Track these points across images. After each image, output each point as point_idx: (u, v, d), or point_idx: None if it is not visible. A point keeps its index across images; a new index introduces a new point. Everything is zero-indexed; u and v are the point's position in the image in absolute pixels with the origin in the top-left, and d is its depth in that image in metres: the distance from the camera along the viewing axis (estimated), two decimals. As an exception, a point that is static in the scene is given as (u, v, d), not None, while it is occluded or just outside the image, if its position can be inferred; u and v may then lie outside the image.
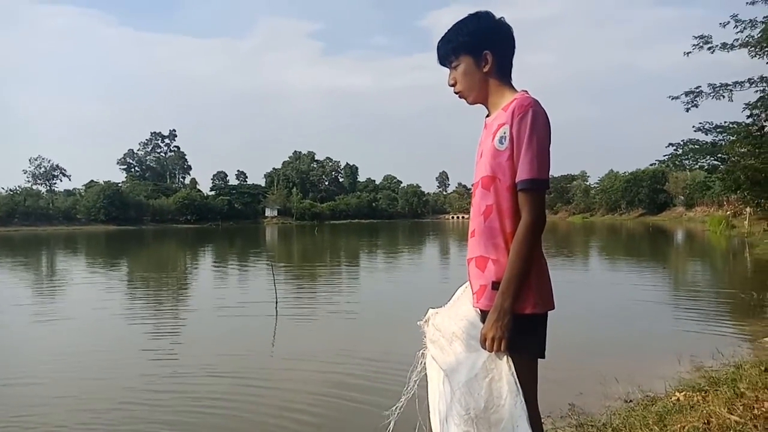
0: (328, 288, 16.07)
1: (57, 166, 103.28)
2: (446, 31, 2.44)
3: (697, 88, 19.08)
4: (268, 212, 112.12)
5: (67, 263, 29.06)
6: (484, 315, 2.31)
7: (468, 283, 2.46)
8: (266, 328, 10.02)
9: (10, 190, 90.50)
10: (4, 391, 6.57)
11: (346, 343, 8.83)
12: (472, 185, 2.45)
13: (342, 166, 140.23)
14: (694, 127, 20.60)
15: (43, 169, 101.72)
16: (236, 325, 10.80)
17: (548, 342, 2.32)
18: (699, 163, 22.87)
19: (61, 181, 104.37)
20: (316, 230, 65.54)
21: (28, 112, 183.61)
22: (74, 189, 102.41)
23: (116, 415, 5.59)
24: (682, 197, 79.08)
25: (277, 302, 11.48)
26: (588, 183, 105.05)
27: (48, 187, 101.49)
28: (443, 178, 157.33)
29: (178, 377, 7.06)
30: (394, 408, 2.74)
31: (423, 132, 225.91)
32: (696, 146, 20.80)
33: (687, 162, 22.21)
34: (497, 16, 2.40)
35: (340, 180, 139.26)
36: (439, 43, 2.47)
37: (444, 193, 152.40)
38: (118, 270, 24.48)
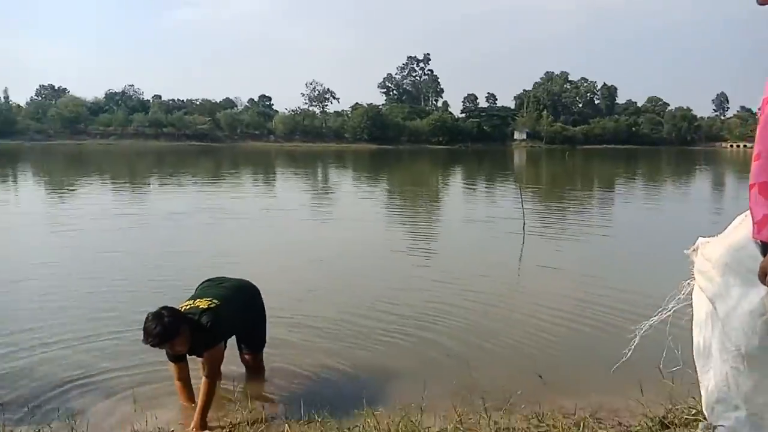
0: (577, 213, 15.53)
1: (328, 89, 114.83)
2: None
3: None
4: (516, 135, 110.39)
5: (338, 175, 32.91)
6: (765, 247, 2.08)
7: (748, 212, 2.22)
8: (512, 243, 10.23)
9: (292, 110, 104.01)
10: (288, 285, 7.71)
11: (596, 265, 8.61)
12: (762, 101, 2.15)
13: (598, 87, 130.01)
14: None
15: (316, 92, 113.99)
16: (484, 237, 11.43)
17: None
18: None
19: (331, 103, 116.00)
20: (566, 155, 62.79)
21: (303, 41, 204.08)
22: (342, 111, 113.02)
23: (374, 311, 6.15)
24: None
25: (524, 222, 11.54)
26: None
27: (321, 109, 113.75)
28: (721, 101, 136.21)
29: (432, 281, 7.63)
30: (640, 326, 2.67)
31: (697, 47, 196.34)
32: None
33: None
34: None
35: (596, 102, 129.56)
36: None
37: (721, 117, 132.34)
38: (380, 183, 26.88)
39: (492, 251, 9.84)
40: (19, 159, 40.08)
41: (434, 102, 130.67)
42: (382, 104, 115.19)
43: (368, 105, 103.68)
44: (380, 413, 3.07)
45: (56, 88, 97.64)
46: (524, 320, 5.83)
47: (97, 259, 8.65)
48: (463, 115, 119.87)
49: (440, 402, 3.64)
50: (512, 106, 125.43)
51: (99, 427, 3.41)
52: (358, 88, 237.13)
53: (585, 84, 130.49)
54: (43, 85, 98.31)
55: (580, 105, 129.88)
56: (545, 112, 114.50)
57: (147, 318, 3.39)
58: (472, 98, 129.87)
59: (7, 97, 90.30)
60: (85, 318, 5.71)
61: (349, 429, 2.98)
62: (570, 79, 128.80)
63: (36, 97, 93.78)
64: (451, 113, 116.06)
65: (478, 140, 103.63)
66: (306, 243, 10.40)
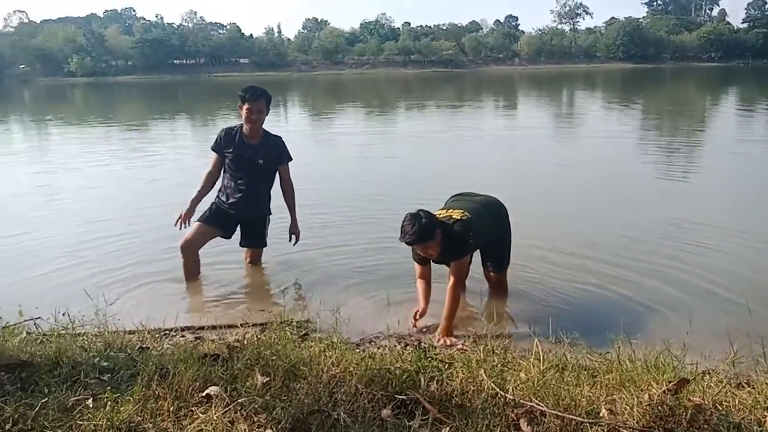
0: None
1: (581, 4, 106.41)
2: None
3: None
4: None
5: (583, 98, 30.84)
6: None
7: None
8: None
9: (539, 30, 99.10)
10: (536, 206, 7.37)
11: None
12: None
13: None
14: None
15: (567, 8, 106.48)
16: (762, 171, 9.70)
17: None
18: None
19: (583, 19, 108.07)
20: None
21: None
22: (595, 27, 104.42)
23: (629, 238, 5.67)
24: None
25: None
26: None
27: (571, 26, 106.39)
28: None
29: (693, 213, 6.75)
30: None
31: None
32: None
33: None
34: None
35: None
36: None
37: None
38: (633, 103, 24.52)
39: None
40: (288, 88, 45.29)
41: (708, 11, 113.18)
42: (643, 17, 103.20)
43: (626, 18, 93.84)
44: (637, 343, 2.85)
45: (319, 20, 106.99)
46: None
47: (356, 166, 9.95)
48: (745, 25, 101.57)
49: (707, 340, 3.25)
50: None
51: (357, 319, 3.76)
52: (616, 1, 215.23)
53: None
54: (308, 18, 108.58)
55: None
56: None
57: (405, 217, 3.56)
58: (759, 4, 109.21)
59: (279, 32, 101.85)
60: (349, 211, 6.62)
61: (600, 353, 2.82)
62: None
63: (302, 30, 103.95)
64: (728, 24, 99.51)
65: (763, 56, 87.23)
66: (553, 164, 10.18)
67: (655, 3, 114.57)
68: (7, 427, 2.04)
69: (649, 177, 8.88)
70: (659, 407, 2.20)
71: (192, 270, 4.60)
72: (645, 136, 14.26)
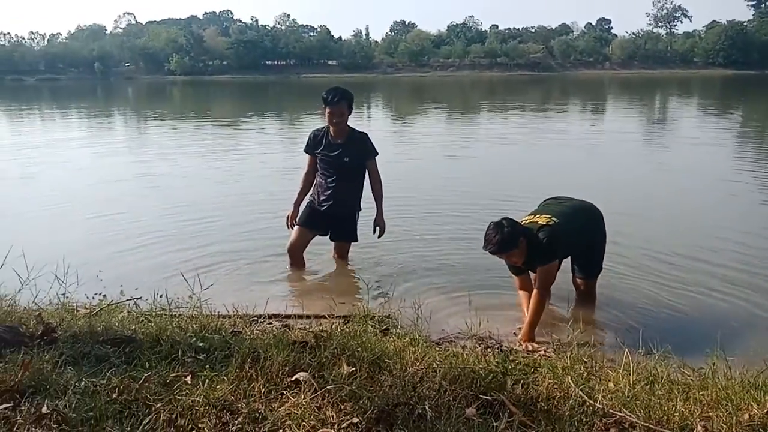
0: None
1: (679, 7, 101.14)
2: None
3: None
4: None
5: (678, 104, 29.33)
6: None
7: None
8: None
9: (633, 33, 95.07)
10: (630, 212, 7.11)
11: None
12: None
13: None
14: None
15: (665, 11, 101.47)
16: None
17: None
18: None
19: (681, 22, 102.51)
20: None
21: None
22: (694, 31, 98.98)
23: (730, 253, 5.32)
24: None
25: None
26: None
27: (668, 30, 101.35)
28: None
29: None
30: None
31: None
32: None
33: None
34: None
35: None
36: None
37: None
38: (731, 114, 23.05)
39: None
40: (372, 90, 45.80)
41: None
42: (748, 20, 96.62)
43: (729, 22, 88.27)
44: (733, 360, 2.69)
45: (407, 23, 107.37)
46: None
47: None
48: None
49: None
50: None
51: (438, 316, 3.78)
52: (718, 4, 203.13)
53: None
54: (396, 21, 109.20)
55: None
56: None
57: (489, 226, 3.54)
58: None
59: (367, 35, 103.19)
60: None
61: (694, 369, 2.69)
62: None
63: (390, 33, 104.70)
64: None
65: None
66: (648, 169, 9.90)
67: (763, 5, 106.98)
68: (114, 395, 2.20)
69: (752, 185, 8.35)
70: (761, 429, 2.09)
71: (299, 269, 4.89)
72: (745, 144, 13.41)
